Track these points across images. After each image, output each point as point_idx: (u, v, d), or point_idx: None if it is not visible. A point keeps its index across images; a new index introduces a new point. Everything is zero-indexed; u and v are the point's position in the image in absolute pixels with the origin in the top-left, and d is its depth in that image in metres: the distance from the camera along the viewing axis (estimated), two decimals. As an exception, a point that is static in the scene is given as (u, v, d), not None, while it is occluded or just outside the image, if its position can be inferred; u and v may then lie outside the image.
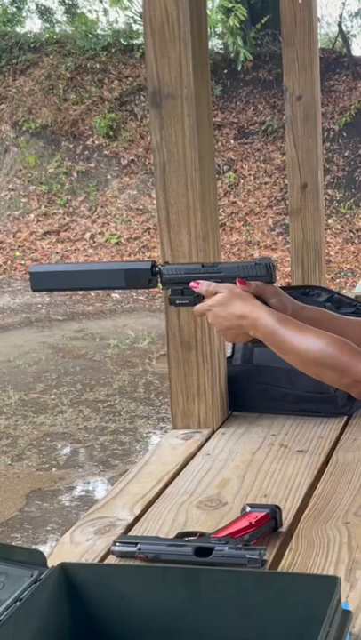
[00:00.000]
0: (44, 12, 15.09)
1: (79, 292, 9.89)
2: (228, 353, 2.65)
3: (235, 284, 1.67)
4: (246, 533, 1.76)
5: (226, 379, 2.62)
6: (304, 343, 1.60)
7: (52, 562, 1.41)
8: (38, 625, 1.30)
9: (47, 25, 14.87)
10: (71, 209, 11.91)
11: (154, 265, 1.73)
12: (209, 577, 1.37)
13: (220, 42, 12.70)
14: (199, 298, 1.70)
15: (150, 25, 2.32)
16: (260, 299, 1.66)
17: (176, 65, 2.32)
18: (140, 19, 13.06)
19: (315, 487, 2.10)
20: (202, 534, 1.80)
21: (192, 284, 1.70)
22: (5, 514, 4.60)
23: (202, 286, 1.69)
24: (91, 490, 5.00)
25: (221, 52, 12.58)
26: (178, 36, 2.30)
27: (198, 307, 1.71)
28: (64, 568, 1.38)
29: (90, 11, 14.50)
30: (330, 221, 10.48)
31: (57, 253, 11.16)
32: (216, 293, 1.67)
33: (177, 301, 1.74)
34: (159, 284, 1.73)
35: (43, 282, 1.78)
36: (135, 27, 13.52)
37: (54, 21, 15.08)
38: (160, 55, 2.33)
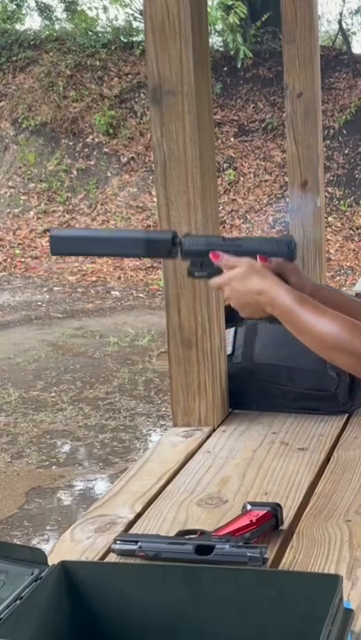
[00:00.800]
0: (44, 10, 15.07)
1: (78, 290, 9.88)
2: (229, 350, 2.64)
3: (255, 259, 1.65)
4: (247, 531, 1.76)
5: (226, 376, 2.62)
6: (320, 325, 1.57)
7: (53, 560, 1.41)
8: (38, 623, 1.30)
9: (47, 22, 14.85)
10: (71, 206, 11.90)
11: (175, 235, 1.70)
12: (210, 575, 1.37)
13: (220, 39, 12.68)
14: (218, 271, 1.67)
15: (151, 21, 2.32)
16: (280, 276, 1.64)
17: (177, 61, 2.32)
18: (140, 16, 13.04)
19: (316, 485, 2.10)
20: (202, 532, 1.80)
21: (211, 255, 1.66)
22: (5, 511, 4.59)
23: (222, 258, 1.66)
24: (91, 487, 5.00)
25: (221, 49, 12.56)
26: (178, 32, 2.30)
27: (216, 280, 1.68)
28: (64, 566, 1.38)
29: (90, 8, 14.48)
30: (330, 219, 10.48)
31: (57, 251, 11.14)
32: (235, 267, 1.64)
33: (195, 273, 1.71)
34: (179, 255, 1.70)
35: (62, 246, 1.76)
36: (135, 24, 13.50)
37: (54, 19, 15.06)
38: (161, 52, 2.32)
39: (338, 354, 1.58)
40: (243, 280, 1.63)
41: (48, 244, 1.76)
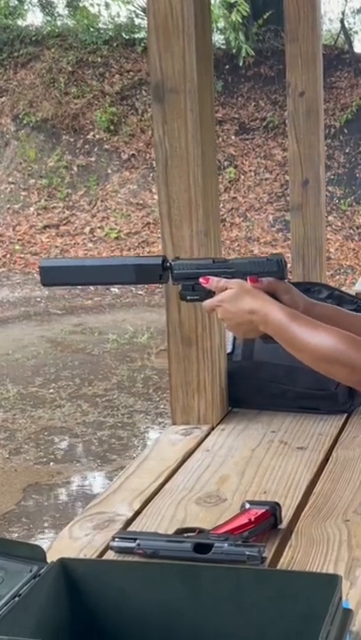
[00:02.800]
0: (46, 6, 15.05)
1: (77, 287, 9.88)
2: (229, 349, 2.64)
3: (246, 280, 1.66)
4: (246, 530, 1.76)
5: (226, 375, 2.61)
6: (315, 339, 1.59)
7: (51, 557, 1.41)
8: (37, 620, 1.30)
9: (49, 18, 14.83)
10: (71, 203, 11.89)
11: (165, 260, 1.71)
12: (208, 574, 1.37)
13: (222, 37, 12.67)
14: (210, 293, 1.69)
15: (154, 19, 2.31)
16: (273, 295, 1.65)
17: (179, 59, 2.31)
18: (142, 13, 13.03)
19: (314, 484, 2.10)
20: (201, 530, 1.80)
21: (201, 279, 1.68)
22: (3, 507, 4.59)
23: (212, 282, 1.68)
24: (88, 484, 5.00)
25: (223, 47, 12.55)
26: (182, 30, 2.29)
27: (208, 302, 1.69)
28: (63, 563, 1.38)
29: (92, 4, 14.45)
30: (330, 218, 10.47)
31: (56, 247, 11.15)
32: (226, 289, 1.66)
33: (188, 297, 1.72)
34: (170, 280, 1.72)
35: (53, 277, 1.77)
36: (137, 21, 13.49)
37: (56, 15, 15.04)
38: (163, 49, 2.32)
39: (335, 367, 1.59)
40: (234, 301, 1.65)
41: (38, 273, 1.76)
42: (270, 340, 1.66)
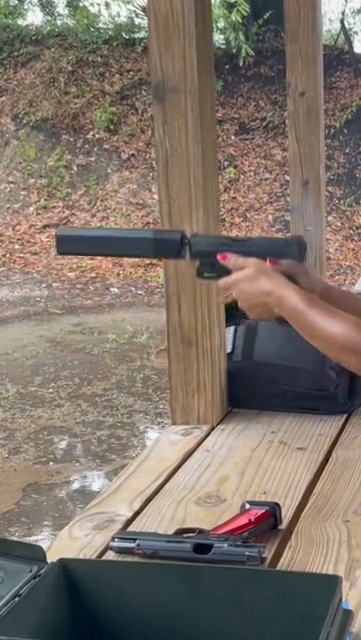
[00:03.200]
0: (46, 5, 15.04)
1: (77, 286, 9.88)
2: (229, 349, 2.64)
3: (264, 260, 1.63)
4: (246, 531, 1.76)
5: (226, 375, 2.61)
6: (329, 326, 1.56)
7: (51, 557, 1.41)
8: (37, 620, 1.30)
9: (49, 18, 14.82)
10: (71, 202, 11.89)
11: (184, 235, 1.68)
12: (208, 574, 1.37)
13: (222, 37, 12.66)
14: (227, 272, 1.65)
15: (155, 18, 2.31)
16: (290, 278, 1.62)
17: (180, 59, 2.31)
18: (142, 12, 13.02)
19: (314, 485, 2.10)
20: (201, 531, 1.79)
21: (219, 256, 1.64)
22: (2, 507, 4.59)
23: (230, 259, 1.64)
24: (88, 484, 5.00)
25: (223, 47, 12.54)
26: (182, 29, 2.29)
27: (223, 280, 1.66)
28: (63, 564, 1.38)
29: (92, 4, 14.44)
30: (330, 218, 10.46)
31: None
32: (243, 268, 1.63)
33: (205, 274, 1.68)
34: (188, 256, 1.68)
35: (69, 245, 1.74)
36: (137, 21, 13.48)
37: (56, 14, 15.02)
38: (164, 49, 2.32)
39: (348, 355, 1.57)
40: (251, 281, 1.62)
41: (54, 241, 1.73)
42: (285, 322, 1.62)
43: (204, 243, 1.69)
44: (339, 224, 10.73)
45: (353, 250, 10.32)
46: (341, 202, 10.93)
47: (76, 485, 4.97)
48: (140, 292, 9.61)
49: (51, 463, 5.16)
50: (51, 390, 6.42)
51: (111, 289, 9.78)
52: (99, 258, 10.79)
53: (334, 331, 1.56)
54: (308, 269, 1.68)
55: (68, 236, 1.76)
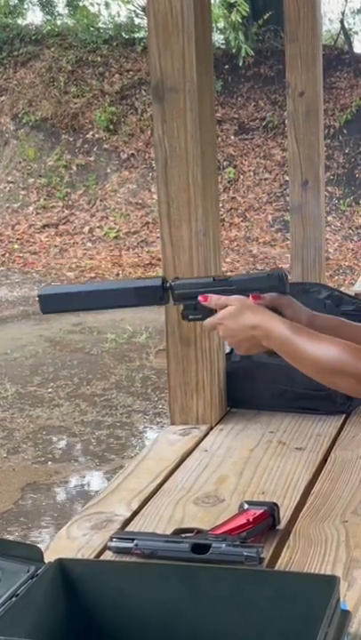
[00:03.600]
0: (46, 5, 15.04)
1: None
2: (228, 349, 2.64)
3: (248, 296, 1.64)
4: (244, 531, 1.76)
5: (225, 375, 2.61)
6: (318, 351, 1.58)
7: (49, 557, 1.41)
8: (35, 620, 1.29)
9: (49, 17, 14.82)
10: (70, 202, 11.89)
11: (164, 281, 1.70)
12: (207, 574, 1.37)
13: (222, 37, 12.66)
14: (213, 312, 1.67)
15: (154, 18, 2.31)
16: (275, 310, 1.63)
17: (179, 58, 2.31)
18: (141, 12, 13.02)
19: (313, 485, 2.10)
20: (199, 531, 1.79)
21: (200, 298, 1.66)
22: (1, 507, 4.59)
23: (211, 300, 1.66)
24: (86, 484, 5.00)
25: (223, 47, 12.55)
26: (181, 29, 2.29)
27: (208, 321, 1.67)
28: (61, 564, 1.38)
29: (91, 4, 14.44)
30: (329, 218, 10.46)
31: (55, 246, 11.15)
32: (227, 306, 1.64)
33: (190, 316, 1.70)
34: (171, 300, 1.70)
35: (53, 304, 1.75)
36: (137, 20, 13.48)
37: (56, 14, 15.03)
38: (163, 48, 2.32)
39: (338, 377, 1.58)
40: (235, 317, 1.63)
41: (38, 302, 1.74)
42: (275, 354, 1.64)
43: (185, 286, 1.70)
44: (338, 224, 10.73)
45: (352, 250, 10.32)
46: (341, 202, 10.94)
47: (74, 485, 4.97)
48: (139, 292, 9.59)
49: (49, 463, 5.16)
50: (50, 390, 6.42)
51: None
52: (98, 257, 10.80)
53: (323, 355, 1.57)
54: (292, 300, 1.69)
55: (50, 295, 1.76)
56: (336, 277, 9.63)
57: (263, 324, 1.61)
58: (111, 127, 12.36)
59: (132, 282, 1.75)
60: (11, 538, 4.06)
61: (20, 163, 12.44)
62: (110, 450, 5.31)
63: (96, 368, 6.93)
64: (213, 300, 1.66)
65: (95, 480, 5.01)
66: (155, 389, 6.35)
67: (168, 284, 1.69)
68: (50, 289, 1.79)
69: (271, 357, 1.66)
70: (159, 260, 7.68)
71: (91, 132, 12.43)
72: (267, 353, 1.66)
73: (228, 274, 1.80)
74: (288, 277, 1.69)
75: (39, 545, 1.47)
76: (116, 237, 11.25)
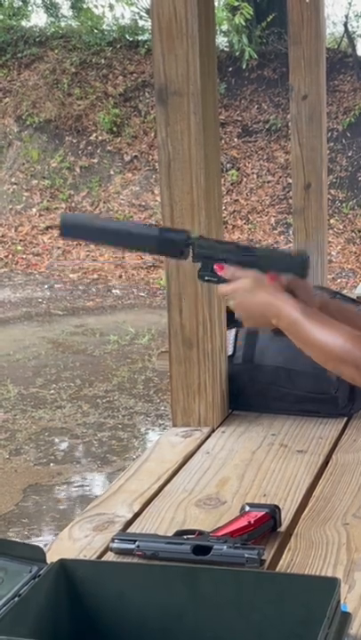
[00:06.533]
0: (50, 7, 15.05)
1: (80, 287, 9.88)
2: (230, 351, 2.64)
3: (265, 272, 1.62)
4: (245, 533, 1.76)
5: (227, 377, 2.62)
6: (325, 337, 1.57)
7: (51, 558, 1.41)
8: (37, 620, 1.30)
9: (53, 19, 14.83)
10: (73, 204, 11.89)
11: (188, 236, 1.67)
12: (208, 576, 1.37)
13: (226, 40, 12.66)
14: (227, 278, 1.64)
15: (158, 21, 2.32)
16: (289, 291, 1.62)
17: (183, 62, 2.32)
18: (145, 15, 13.03)
19: (314, 487, 2.10)
20: (200, 533, 1.80)
21: (215, 266, 1.64)
22: (2, 508, 4.59)
23: (226, 271, 1.64)
24: (88, 485, 5.00)
25: (226, 49, 12.55)
26: (185, 33, 2.30)
27: (222, 288, 1.65)
28: (63, 564, 1.38)
29: (96, 6, 14.47)
30: (332, 221, 10.46)
31: (58, 248, 11.16)
32: (241, 279, 1.62)
33: (205, 277, 1.67)
34: (190, 257, 1.67)
35: (74, 230, 1.74)
36: (141, 23, 13.49)
37: (60, 16, 15.04)
38: (167, 52, 2.33)
39: (343, 365, 1.58)
40: (249, 291, 1.62)
41: (58, 228, 1.73)
42: (281, 333, 1.62)
43: (207, 246, 1.67)
44: (341, 227, 10.73)
45: (355, 253, 10.32)
46: (344, 205, 10.94)
47: (76, 487, 4.97)
48: (141, 294, 9.61)
49: (51, 464, 5.16)
50: (52, 391, 6.42)
51: (113, 290, 9.78)
52: (101, 259, 10.80)
53: (331, 342, 1.57)
54: (309, 285, 1.68)
55: (73, 222, 1.75)
56: (338, 280, 9.63)
57: (276, 303, 1.60)
58: (115, 129, 12.37)
59: (157, 229, 1.70)
60: (12, 539, 4.06)
61: (24, 164, 12.45)
62: (112, 451, 5.32)
63: (98, 370, 6.93)
64: (229, 272, 1.64)
65: (97, 482, 5.01)
66: (157, 391, 6.36)
67: (191, 240, 1.67)
68: (73, 216, 1.78)
69: (277, 335, 1.64)
70: (162, 261, 7.69)
71: (94, 134, 12.44)
72: (273, 331, 1.64)
73: (253, 245, 1.75)
74: (309, 263, 1.67)
75: (41, 546, 1.48)
76: (118, 239, 11.23)
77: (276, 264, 1.64)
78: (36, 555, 1.38)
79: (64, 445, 5.50)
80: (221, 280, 1.65)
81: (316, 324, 1.58)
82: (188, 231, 1.71)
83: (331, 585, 1.27)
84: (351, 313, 1.75)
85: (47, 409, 6.05)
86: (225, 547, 1.68)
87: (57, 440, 5.55)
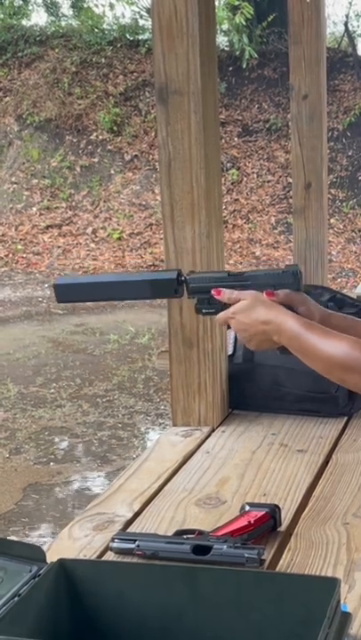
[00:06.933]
0: (51, 6, 15.05)
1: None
2: (230, 351, 2.64)
3: (262, 292, 1.64)
4: (245, 532, 1.76)
5: (227, 376, 2.62)
6: (328, 347, 1.56)
7: (51, 557, 1.41)
8: (36, 620, 1.30)
9: (53, 18, 14.83)
10: (74, 203, 11.89)
11: (180, 274, 1.70)
12: (208, 576, 1.37)
13: (226, 39, 12.66)
14: (226, 307, 1.67)
15: (158, 21, 2.32)
16: (289, 307, 1.63)
17: (183, 61, 2.32)
18: (146, 14, 13.03)
19: (314, 487, 2.10)
20: (200, 532, 1.80)
21: (213, 292, 1.66)
22: (3, 507, 4.59)
23: (224, 294, 1.66)
24: (88, 484, 5.00)
25: (227, 49, 12.55)
26: (186, 32, 2.29)
27: (221, 315, 1.67)
28: (63, 564, 1.38)
29: (96, 5, 14.46)
30: (332, 221, 10.47)
31: (58, 247, 11.16)
32: (239, 300, 1.64)
33: (203, 310, 1.70)
34: (185, 294, 1.70)
35: (68, 294, 1.76)
36: (141, 22, 13.49)
37: (60, 15, 15.04)
38: (168, 51, 2.32)
39: (347, 374, 1.57)
40: (248, 312, 1.63)
41: (53, 291, 1.75)
42: (286, 351, 1.63)
43: (199, 280, 1.70)
44: (341, 227, 10.73)
45: (355, 252, 10.32)
46: (344, 204, 10.94)
47: (76, 486, 4.97)
48: (142, 294, 9.60)
49: (51, 463, 5.16)
50: (52, 390, 6.42)
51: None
52: (101, 258, 10.80)
53: (333, 351, 1.56)
54: (306, 298, 1.68)
55: (66, 284, 1.76)
56: (339, 280, 9.64)
57: (275, 319, 1.61)
58: (115, 128, 12.37)
59: (148, 274, 1.75)
60: (12, 538, 4.06)
61: (24, 164, 12.45)
62: (112, 451, 5.32)
63: (98, 369, 6.93)
64: (226, 294, 1.66)
65: (97, 481, 5.01)
66: (157, 391, 6.36)
67: (183, 278, 1.69)
68: (65, 279, 1.79)
69: (284, 353, 1.65)
70: (162, 261, 7.68)
71: (95, 134, 12.44)
72: (279, 349, 1.65)
73: (243, 269, 1.79)
74: (302, 274, 1.69)
75: (41, 545, 1.48)
76: (119, 238, 11.26)
77: (270, 281, 1.66)
78: (36, 554, 1.38)
79: (64, 444, 5.50)
80: (219, 310, 1.67)
81: (318, 334, 1.58)
82: (179, 270, 1.73)
83: (331, 585, 1.27)
84: (354, 322, 1.74)
85: (47, 408, 6.05)
86: (225, 546, 1.68)
87: (57, 439, 5.55)
